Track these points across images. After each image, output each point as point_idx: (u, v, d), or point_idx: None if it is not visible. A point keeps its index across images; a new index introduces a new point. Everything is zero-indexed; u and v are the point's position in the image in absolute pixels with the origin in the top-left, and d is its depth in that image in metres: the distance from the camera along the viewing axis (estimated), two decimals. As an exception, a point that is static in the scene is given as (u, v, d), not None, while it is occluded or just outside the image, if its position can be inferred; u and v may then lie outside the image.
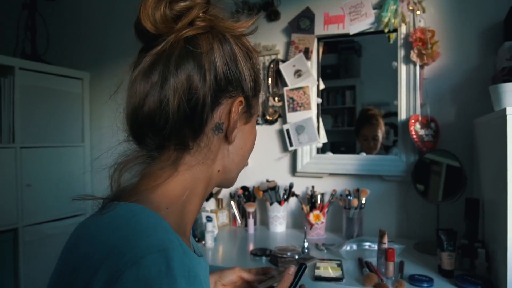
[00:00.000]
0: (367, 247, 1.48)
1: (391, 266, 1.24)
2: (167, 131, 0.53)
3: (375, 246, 1.46)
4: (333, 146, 2.02)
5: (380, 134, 1.94)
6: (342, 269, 1.31)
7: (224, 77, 0.55)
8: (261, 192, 1.91)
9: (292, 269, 0.76)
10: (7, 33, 2.48)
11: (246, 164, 0.68)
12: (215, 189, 2.06)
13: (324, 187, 1.92)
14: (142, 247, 0.44)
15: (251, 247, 1.65)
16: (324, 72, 1.99)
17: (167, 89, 0.52)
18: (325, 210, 1.80)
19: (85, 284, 0.45)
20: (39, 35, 2.43)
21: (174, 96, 0.52)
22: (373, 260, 1.35)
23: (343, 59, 2.10)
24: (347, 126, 2.10)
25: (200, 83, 0.53)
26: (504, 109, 1.04)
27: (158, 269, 0.43)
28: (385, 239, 1.28)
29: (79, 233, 0.54)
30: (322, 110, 2.00)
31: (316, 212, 1.77)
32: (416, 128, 1.68)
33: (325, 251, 1.54)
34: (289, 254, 1.40)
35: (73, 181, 2.44)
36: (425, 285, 1.16)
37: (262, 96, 2.07)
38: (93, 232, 0.51)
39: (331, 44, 2.02)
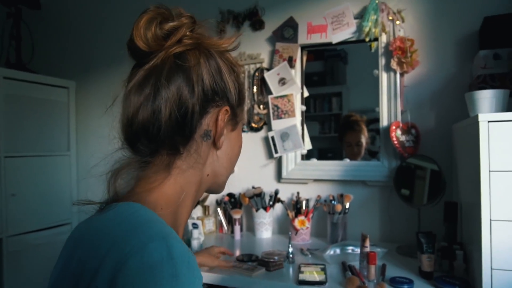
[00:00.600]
0: (350, 251, 1.52)
1: (372, 269, 1.27)
2: (160, 137, 0.58)
3: (358, 250, 1.49)
4: (320, 152, 2.05)
5: (364, 140, 1.98)
6: (325, 273, 1.33)
7: (210, 88, 0.61)
8: (247, 199, 1.94)
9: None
10: (-9, 42, 2.47)
11: (232, 171, 0.72)
12: (202, 196, 2.07)
13: (309, 193, 1.95)
14: (145, 235, 0.49)
15: (237, 253, 1.66)
16: (310, 79, 2.03)
17: (160, 100, 0.57)
18: (310, 215, 1.83)
19: (92, 273, 0.48)
20: (24, 44, 2.43)
21: (166, 106, 0.57)
22: (356, 264, 1.38)
23: (329, 66, 2.14)
24: (334, 132, 2.13)
25: (189, 94, 0.59)
26: (477, 116, 1.09)
27: (160, 254, 0.47)
28: (367, 243, 1.31)
29: (81, 230, 0.58)
30: (309, 117, 2.03)
31: (301, 217, 1.80)
32: (397, 134, 1.72)
33: (310, 255, 1.57)
34: (276, 258, 1.42)
35: (59, 190, 2.43)
36: (406, 286, 1.20)
37: (247, 105, 2.10)
38: (96, 228, 0.54)
39: (317, 51, 2.06)
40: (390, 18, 1.79)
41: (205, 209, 2.09)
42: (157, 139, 0.58)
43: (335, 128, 2.13)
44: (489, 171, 1.06)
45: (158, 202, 0.58)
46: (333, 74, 2.15)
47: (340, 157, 2.02)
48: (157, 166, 0.61)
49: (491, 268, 1.06)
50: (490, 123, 1.07)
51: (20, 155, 2.18)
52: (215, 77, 0.62)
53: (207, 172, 0.66)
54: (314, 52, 2.06)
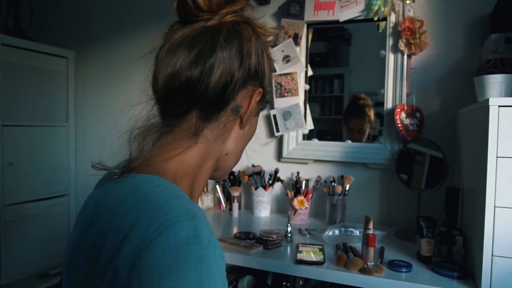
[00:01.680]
0: (349, 233, 1.51)
1: (371, 251, 1.27)
2: (202, 97, 0.58)
3: (357, 232, 1.49)
4: (319, 134, 2.03)
5: (367, 127, 1.94)
6: (324, 254, 1.33)
7: (254, 66, 0.62)
8: (247, 177, 1.92)
9: None
10: (-11, 7, 2.41)
11: (239, 159, 0.73)
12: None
13: (309, 173, 1.93)
14: (172, 214, 0.47)
15: (235, 230, 1.66)
16: (313, 60, 1.99)
17: (214, 58, 0.57)
18: (309, 196, 1.82)
19: (114, 249, 0.47)
20: (23, 11, 2.36)
21: (219, 66, 0.57)
22: (357, 246, 1.37)
23: (333, 47, 2.09)
24: (334, 114, 2.10)
25: (237, 64, 0.59)
26: (487, 100, 1.06)
27: (187, 235, 0.46)
28: (371, 225, 1.30)
29: (98, 201, 0.56)
30: (310, 98, 2.00)
31: (301, 197, 1.79)
32: (401, 117, 1.70)
33: (308, 236, 1.57)
34: (274, 237, 1.42)
35: (57, 162, 2.41)
36: (404, 270, 1.19)
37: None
38: (116, 199, 0.52)
39: (321, 32, 2.01)
40: (401, -3, 1.74)
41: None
42: (198, 98, 0.58)
43: (335, 110, 2.10)
44: (497, 156, 1.04)
45: (178, 172, 0.58)
46: (336, 55, 2.11)
47: (339, 140, 1.99)
48: (184, 131, 0.60)
49: (492, 255, 1.05)
50: (500, 107, 1.04)
51: (18, 124, 2.15)
52: (259, 58, 0.63)
53: (226, 150, 0.65)
54: (318, 32, 2.00)
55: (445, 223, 1.40)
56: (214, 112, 0.60)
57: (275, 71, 1.95)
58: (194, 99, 0.58)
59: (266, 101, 0.69)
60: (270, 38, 0.68)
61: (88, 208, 0.57)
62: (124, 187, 0.53)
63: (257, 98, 0.64)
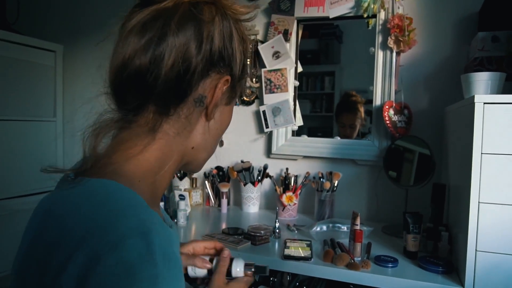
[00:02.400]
0: (336, 228, 1.52)
1: (358, 247, 1.28)
2: (153, 89, 0.52)
3: (344, 228, 1.50)
4: (310, 131, 2.03)
5: (358, 123, 1.95)
6: (311, 249, 1.33)
7: (218, 51, 0.56)
8: (235, 173, 1.92)
9: (227, 252, 0.80)
10: (-26, -1, 2.36)
11: (214, 151, 0.68)
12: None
13: (298, 169, 1.94)
14: (123, 228, 0.43)
15: (223, 226, 1.66)
16: (304, 57, 1.99)
17: (164, 46, 0.52)
18: (298, 192, 1.82)
19: (60, 266, 0.43)
20: (9, 3, 2.32)
21: (170, 54, 0.52)
22: (345, 241, 1.38)
23: (324, 44, 2.09)
24: (325, 112, 2.10)
25: (195, 50, 0.53)
26: (473, 97, 1.07)
27: (138, 252, 0.42)
28: (358, 221, 1.31)
29: (48, 209, 0.51)
30: (301, 95, 2.00)
31: (289, 193, 1.80)
32: (389, 114, 1.71)
33: (296, 231, 1.57)
34: (262, 232, 1.42)
35: (45, 157, 2.38)
36: (390, 265, 1.20)
37: (246, 83, 2.05)
38: (66, 209, 0.48)
39: (312, 29, 2.01)
40: (390, -6, 1.74)
41: (193, 181, 2.07)
42: (150, 90, 0.53)
43: (326, 107, 2.10)
44: (481, 153, 1.06)
45: (136, 173, 0.52)
46: (327, 52, 2.11)
47: (330, 136, 2.00)
48: (141, 127, 0.55)
49: (476, 250, 1.06)
50: (485, 104, 1.05)
51: (5, 119, 2.12)
52: (226, 41, 0.57)
53: (192, 144, 0.61)
54: (309, 29, 2.00)
55: (432, 219, 1.41)
56: (171, 105, 0.55)
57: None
58: (145, 92, 0.53)
59: (238, 89, 0.63)
60: (248, 16, 0.61)
61: (37, 217, 0.52)
62: (75, 195, 0.48)
63: (224, 87, 0.59)
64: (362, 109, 1.95)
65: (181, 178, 2.03)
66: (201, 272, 0.79)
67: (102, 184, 0.49)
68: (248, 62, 2.02)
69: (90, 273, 0.40)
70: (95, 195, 0.47)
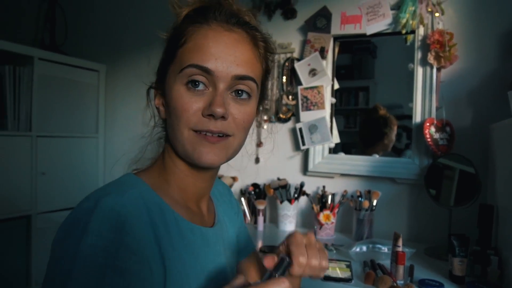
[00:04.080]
0: (377, 249, 1.48)
1: (401, 269, 1.23)
2: None
3: (385, 249, 1.46)
4: (344, 147, 2.01)
5: (388, 136, 1.93)
6: (351, 270, 1.30)
7: None
8: (272, 190, 1.92)
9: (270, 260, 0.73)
10: (27, 23, 2.52)
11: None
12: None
13: (335, 187, 1.91)
14: (93, 196, 0.59)
15: (260, 244, 1.65)
16: (337, 72, 1.98)
17: None
18: (335, 210, 1.79)
19: None
20: (58, 26, 2.46)
21: None
22: (386, 263, 1.34)
23: (357, 59, 2.08)
24: (360, 127, 2.08)
25: None
26: (523, 115, 1.02)
27: (87, 209, 0.54)
28: (400, 242, 1.26)
29: None
30: (335, 111, 1.98)
31: (326, 212, 1.77)
32: (431, 132, 1.66)
33: (334, 251, 1.54)
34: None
35: (87, 172, 2.48)
36: (435, 289, 1.16)
37: (275, 95, 2.07)
38: None
39: (345, 44, 2.00)
40: (429, 9, 1.72)
41: (229, 198, 2.08)
42: None
43: (360, 123, 2.08)
44: (534, 174, 1.01)
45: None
46: (361, 67, 2.10)
47: (364, 152, 1.96)
48: None
49: (530, 277, 1.00)
50: (537, 123, 1.01)
51: (51, 135, 2.23)
52: None
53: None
54: (342, 44, 1.99)
55: (479, 242, 1.35)
56: None
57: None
58: None
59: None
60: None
61: None
62: None
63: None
64: (392, 123, 1.91)
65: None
66: None
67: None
68: (284, 80, 2.04)
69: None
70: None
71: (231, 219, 0.86)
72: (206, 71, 0.61)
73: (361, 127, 2.04)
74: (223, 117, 0.61)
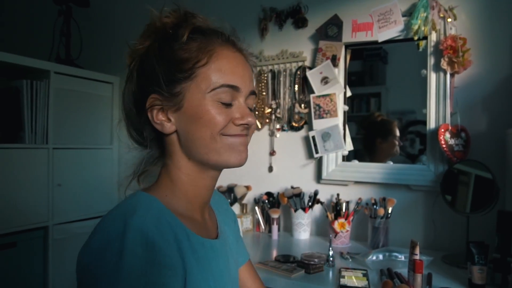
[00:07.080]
0: (393, 257, 1.46)
1: (419, 278, 1.21)
2: None
3: (402, 257, 1.44)
4: (357, 154, 2.00)
5: (392, 141, 1.95)
6: (368, 279, 1.29)
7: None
8: (286, 199, 1.91)
9: None
10: (43, 38, 2.58)
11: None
12: (239, 194, 2.07)
13: (349, 195, 1.90)
14: (109, 217, 0.64)
15: (274, 253, 1.65)
16: (348, 79, 1.98)
17: None
18: (350, 218, 1.78)
19: None
20: (73, 41, 2.51)
21: None
22: (403, 271, 1.32)
23: (368, 66, 2.08)
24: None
25: None
26: (541, 120, 1.01)
27: (116, 231, 0.57)
28: (417, 250, 1.25)
29: None
30: (347, 118, 1.98)
31: (341, 220, 1.76)
32: (445, 138, 1.64)
33: (350, 260, 1.53)
34: (316, 261, 1.39)
35: (102, 182, 2.50)
36: (455, 298, 1.14)
37: (287, 104, 2.07)
38: None
39: (356, 50, 2.00)
40: (441, 15, 1.71)
41: (243, 207, 2.09)
42: None
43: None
44: (554, 180, 0.99)
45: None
46: (372, 74, 2.09)
47: (377, 159, 1.95)
48: None
49: (553, 285, 0.98)
50: (556, 128, 0.99)
51: (67, 147, 2.26)
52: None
53: None
54: (353, 51, 1.99)
55: (498, 249, 1.32)
56: None
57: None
58: None
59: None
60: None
61: None
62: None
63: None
64: (394, 128, 1.92)
65: (231, 204, 2.05)
66: None
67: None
68: (296, 89, 2.05)
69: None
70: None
71: (229, 228, 0.90)
72: (235, 89, 0.69)
73: (362, 135, 2.04)
74: None
